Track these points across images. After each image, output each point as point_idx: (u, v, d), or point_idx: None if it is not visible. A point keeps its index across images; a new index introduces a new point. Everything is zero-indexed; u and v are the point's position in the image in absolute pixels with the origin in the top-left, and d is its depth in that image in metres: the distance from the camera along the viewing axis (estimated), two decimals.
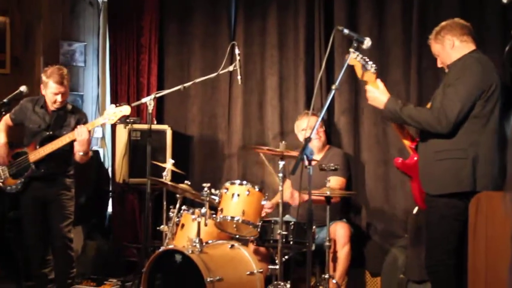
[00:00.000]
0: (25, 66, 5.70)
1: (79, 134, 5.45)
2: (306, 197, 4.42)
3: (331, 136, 6.39)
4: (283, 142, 5.08)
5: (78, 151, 5.56)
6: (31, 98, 5.79)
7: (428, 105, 4.44)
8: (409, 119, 4.35)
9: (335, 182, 5.65)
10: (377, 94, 4.45)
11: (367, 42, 4.17)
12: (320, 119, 4.26)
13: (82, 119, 5.73)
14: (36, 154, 5.58)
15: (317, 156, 5.83)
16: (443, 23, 4.52)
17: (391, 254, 5.87)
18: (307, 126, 5.79)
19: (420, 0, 5.92)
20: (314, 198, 5.20)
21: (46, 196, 5.67)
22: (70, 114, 5.75)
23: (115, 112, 5.54)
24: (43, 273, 5.79)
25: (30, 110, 5.71)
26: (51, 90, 5.58)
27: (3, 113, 5.23)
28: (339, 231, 5.59)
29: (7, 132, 5.79)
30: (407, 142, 4.55)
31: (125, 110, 5.56)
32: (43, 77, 5.62)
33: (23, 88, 5.52)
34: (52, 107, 5.66)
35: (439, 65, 4.56)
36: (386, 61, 6.15)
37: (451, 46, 4.42)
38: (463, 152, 4.19)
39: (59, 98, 5.60)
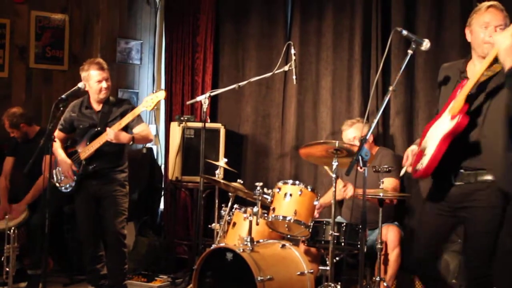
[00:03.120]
0: (83, 63, 5.77)
1: (109, 136, 5.55)
2: (358, 191, 4.36)
3: (385, 137, 6.33)
4: (337, 141, 5.03)
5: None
6: (74, 102, 5.90)
7: None
8: None
9: (388, 183, 5.60)
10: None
11: (426, 44, 4.10)
12: (376, 121, 4.20)
13: (127, 110, 5.78)
14: (86, 151, 5.68)
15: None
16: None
17: (443, 259, 5.79)
18: (353, 138, 5.78)
19: (479, 2, 5.82)
20: (367, 198, 5.19)
21: (101, 192, 5.74)
22: (115, 107, 5.83)
23: (152, 98, 5.58)
24: (96, 268, 5.87)
25: (77, 112, 5.81)
26: (94, 79, 5.67)
27: (61, 108, 5.30)
28: (390, 234, 5.54)
29: (64, 145, 5.91)
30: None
31: (161, 95, 5.60)
32: (83, 73, 5.73)
33: (81, 85, 5.59)
34: (99, 98, 5.74)
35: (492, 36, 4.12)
36: (443, 63, 6.06)
37: None
38: None
39: (104, 84, 5.69)
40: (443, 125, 4.07)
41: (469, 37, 4.28)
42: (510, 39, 3.73)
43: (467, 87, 4.01)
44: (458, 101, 4.02)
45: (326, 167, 5.68)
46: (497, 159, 3.99)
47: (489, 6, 4.18)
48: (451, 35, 6.04)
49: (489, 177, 4.05)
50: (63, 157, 5.75)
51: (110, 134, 5.53)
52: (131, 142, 5.68)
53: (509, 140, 3.93)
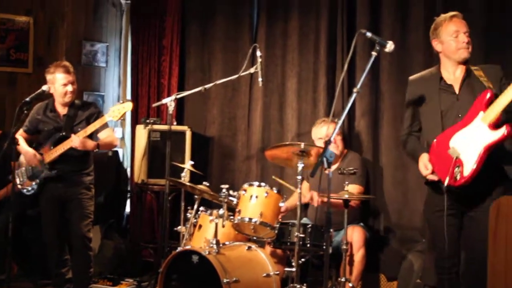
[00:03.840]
0: (47, 65, 5.72)
1: (73, 143, 5.52)
2: (325, 199, 4.38)
3: (350, 139, 6.37)
4: (303, 143, 5.04)
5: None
6: (39, 105, 5.85)
7: None
8: None
9: (353, 189, 5.64)
10: None
11: (390, 46, 4.13)
12: (340, 123, 4.22)
13: (93, 114, 5.76)
14: (50, 155, 5.63)
15: (336, 165, 5.85)
16: None
17: (408, 259, 5.85)
18: (325, 136, 5.79)
19: (443, 5, 5.89)
20: (332, 202, 5.20)
21: (66, 195, 5.69)
22: (81, 110, 5.79)
23: (119, 108, 5.56)
24: (61, 272, 5.82)
25: (42, 115, 5.77)
26: (60, 82, 5.64)
27: (25, 111, 5.26)
28: (355, 234, 5.57)
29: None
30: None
31: (128, 106, 5.58)
32: (48, 76, 5.68)
33: (45, 87, 5.55)
34: (63, 101, 5.70)
35: (470, 43, 4.42)
36: (408, 65, 6.13)
37: None
38: None
39: (69, 88, 5.65)
40: (480, 134, 4.14)
41: (439, 48, 4.49)
42: None
43: (506, 98, 4.05)
44: (494, 112, 4.10)
45: (275, 178, 5.74)
46: None
47: (452, 16, 4.45)
48: (415, 38, 6.10)
49: None
50: (26, 149, 5.71)
51: (75, 141, 5.50)
52: (96, 149, 5.67)
53: None
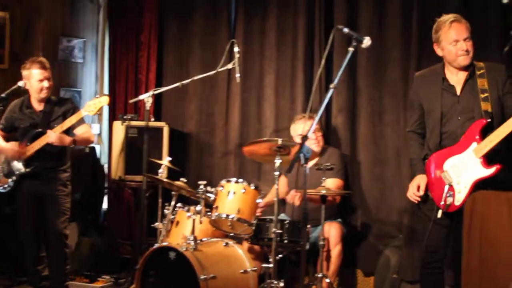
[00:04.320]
0: (24, 61, 5.69)
1: (50, 138, 5.49)
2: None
3: (329, 135, 6.38)
4: (281, 139, 5.04)
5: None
6: (15, 102, 5.81)
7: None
8: None
9: (332, 183, 5.66)
10: None
11: (367, 42, 4.16)
12: (317, 119, 4.22)
13: (69, 110, 5.73)
14: (26, 151, 5.58)
15: (314, 160, 5.86)
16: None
17: (385, 254, 5.87)
18: (303, 131, 5.79)
19: (420, 2, 5.92)
20: (311, 197, 5.22)
21: (42, 192, 5.65)
22: (57, 106, 5.75)
23: (95, 103, 5.53)
24: (37, 269, 5.78)
25: (18, 112, 5.73)
26: (36, 78, 5.61)
27: (1, 107, 5.23)
28: (332, 230, 5.58)
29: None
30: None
31: (104, 100, 5.56)
32: (24, 71, 5.66)
33: (21, 83, 5.53)
34: (39, 97, 5.67)
35: (470, 51, 4.45)
36: (385, 61, 6.16)
37: None
38: None
39: (45, 84, 5.63)
40: (472, 166, 4.24)
41: (439, 52, 4.55)
42: None
43: (498, 135, 4.12)
44: (487, 146, 4.19)
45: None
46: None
47: (452, 21, 4.45)
48: (393, 34, 6.13)
49: None
50: (4, 146, 5.68)
51: (52, 136, 5.47)
52: (73, 145, 5.63)
53: None
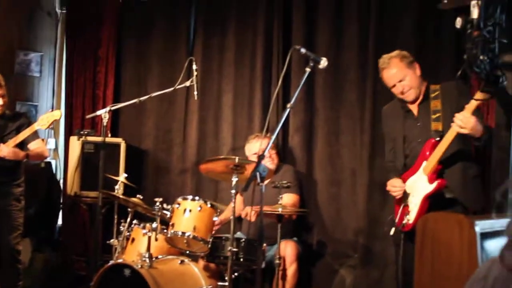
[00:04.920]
0: None
1: (2, 152, 5.43)
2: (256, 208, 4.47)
3: (285, 154, 6.41)
4: (238, 157, 5.06)
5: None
6: None
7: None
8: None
9: (288, 198, 5.69)
10: (476, 122, 4.21)
11: (324, 62, 4.20)
12: (273, 138, 4.26)
13: (23, 124, 5.67)
14: None
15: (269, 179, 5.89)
16: (401, 52, 4.75)
17: (340, 274, 5.91)
18: (259, 150, 5.82)
19: (376, 25, 6.01)
20: (267, 215, 5.24)
21: None
22: (11, 121, 5.70)
23: (48, 116, 5.51)
24: None
25: None
26: None
27: None
28: (288, 249, 5.60)
29: None
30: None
31: (56, 114, 5.54)
32: None
33: None
34: None
35: (405, 91, 4.67)
36: (342, 83, 6.22)
37: (419, 73, 4.68)
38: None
39: (0, 101, 5.56)
40: (422, 184, 4.43)
41: None
42: (471, 120, 4.13)
43: (438, 151, 4.34)
44: (431, 163, 4.38)
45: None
46: (456, 178, 4.44)
47: (382, 69, 4.73)
48: (350, 55, 6.19)
49: (450, 195, 4.45)
50: None
51: (4, 150, 5.41)
52: (25, 159, 5.59)
53: (467, 161, 4.52)
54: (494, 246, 2.79)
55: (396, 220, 4.59)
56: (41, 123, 5.50)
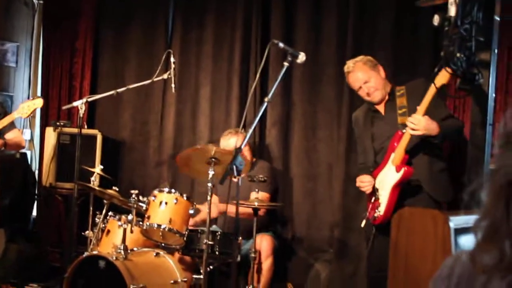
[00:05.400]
0: None
1: None
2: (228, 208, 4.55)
3: (261, 148, 6.43)
4: (215, 147, 5.05)
5: None
6: None
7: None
8: (455, 128, 4.67)
9: (260, 196, 5.69)
10: (428, 121, 4.37)
11: (302, 57, 4.21)
12: (250, 132, 4.27)
13: (0, 114, 5.64)
14: None
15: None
16: (365, 56, 4.95)
17: (315, 268, 5.94)
18: (233, 147, 5.83)
19: (355, 20, 6.03)
20: (240, 211, 5.24)
21: None
22: None
23: (28, 105, 5.49)
24: None
25: None
26: None
27: None
28: (264, 243, 5.62)
29: None
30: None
31: (38, 102, 5.53)
32: None
33: None
34: None
35: (371, 92, 4.83)
36: (320, 77, 6.24)
37: (384, 75, 4.86)
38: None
39: None
40: (390, 175, 4.52)
41: None
42: (422, 121, 4.30)
43: (404, 141, 4.45)
44: (398, 153, 4.48)
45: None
46: (424, 170, 4.55)
47: (347, 73, 4.92)
48: (327, 50, 6.21)
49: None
50: None
51: None
52: (3, 148, 5.55)
53: (433, 154, 4.63)
54: (468, 241, 2.82)
55: (367, 214, 4.70)
56: (22, 111, 5.48)
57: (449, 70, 3.56)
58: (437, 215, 2.83)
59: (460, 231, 2.80)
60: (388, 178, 4.54)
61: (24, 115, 5.50)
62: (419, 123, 4.30)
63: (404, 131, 4.44)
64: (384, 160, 4.64)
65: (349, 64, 4.92)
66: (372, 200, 4.68)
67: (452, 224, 2.78)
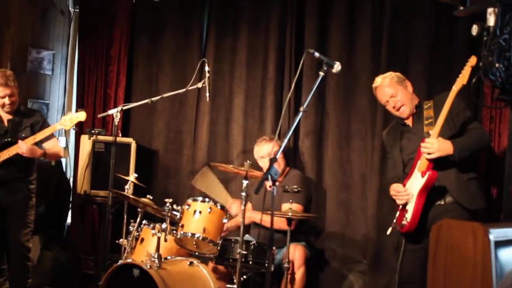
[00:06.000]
0: None
1: (21, 149, 5.45)
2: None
3: (294, 158, 6.40)
4: (248, 161, 5.07)
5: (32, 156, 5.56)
6: None
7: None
8: (475, 145, 4.67)
9: (293, 208, 5.67)
10: (441, 142, 4.49)
11: (337, 67, 4.19)
12: (285, 141, 4.25)
13: (38, 122, 5.71)
14: None
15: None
16: (392, 72, 5.05)
17: (348, 279, 5.90)
18: (266, 154, 5.85)
19: (389, 29, 5.99)
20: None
21: (7, 202, 5.60)
22: (26, 117, 5.73)
23: (71, 117, 5.53)
24: None
25: None
26: None
27: None
28: (296, 253, 5.59)
29: None
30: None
31: (81, 116, 5.56)
32: None
33: None
34: (3, 112, 5.62)
35: (397, 107, 4.91)
36: (354, 87, 6.21)
37: (411, 90, 4.93)
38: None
39: (6, 101, 5.57)
40: (416, 182, 4.59)
41: None
42: (435, 144, 4.46)
43: (434, 134, 4.51)
44: (423, 160, 4.54)
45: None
46: (451, 178, 4.59)
47: (375, 88, 5.04)
48: (362, 60, 6.18)
49: (451, 198, 4.61)
50: None
51: (23, 147, 5.44)
52: (42, 158, 5.60)
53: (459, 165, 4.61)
54: (508, 254, 2.78)
55: (395, 221, 4.74)
56: (64, 123, 5.53)
57: (487, 81, 3.53)
58: (476, 227, 2.80)
59: (500, 243, 2.76)
60: (414, 185, 4.60)
61: (67, 127, 5.56)
62: (433, 146, 4.45)
63: (431, 133, 4.51)
64: (412, 169, 4.68)
65: (377, 79, 5.01)
66: (401, 209, 4.71)
67: (492, 237, 2.74)
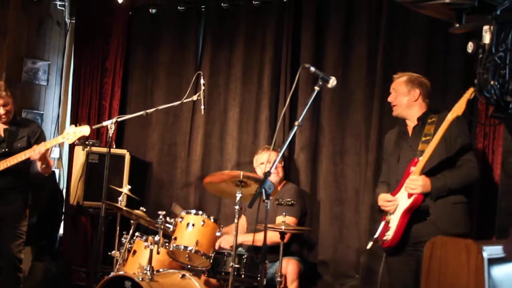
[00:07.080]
0: None
1: (34, 155, 5.41)
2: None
3: (289, 172, 6.40)
4: (242, 172, 5.06)
5: (40, 164, 5.48)
6: None
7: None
8: (455, 185, 4.54)
9: (286, 221, 5.66)
10: (424, 180, 4.47)
11: (332, 82, 4.19)
12: (281, 154, 4.27)
13: (35, 132, 5.70)
14: None
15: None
16: (413, 74, 4.91)
17: None
18: (266, 161, 5.81)
19: (385, 45, 6.00)
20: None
21: (0, 213, 5.57)
22: (22, 127, 5.71)
23: (75, 131, 5.51)
24: None
25: None
26: None
27: None
28: (289, 267, 5.58)
29: None
30: None
31: (85, 130, 5.54)
32: None
33: None
34: None
35: (390, 101, 4.89)
36: (348, 102, 6.21)
37: (415, 98, 4.78)
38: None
39: (1, 110, 5.55)
40: (402, 200, 4.54)
41: None
42: (419, 181, 4.44)
43: (418, 168, 4.47)
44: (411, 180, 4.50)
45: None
46: (437, 204, 4.53)
47: (393, 77, 4.98)
48: (357, 75, 6.18)
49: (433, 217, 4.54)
50: None
51: (37, 154, 5.38)
52: (50, 165, 5.59)
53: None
54: (501, 272, 2.78)
55: (377, 235, 4.69)
56: (67, 137, 5.50)
57: (482, 98, 3.53)
58: (470, 244, 2.79)
59: (494, 261, 2.75)
60: (401, 202, 4.55)
61: (69, 140, 5.54)
62: (415, 184, 4.44)
63: (420, 158, 4.45)
64: (400, 183, 4.62)
65: (399, 73, 4.95)
66: (384, 222, 4.68)
67: (485, 254, 2.74)
